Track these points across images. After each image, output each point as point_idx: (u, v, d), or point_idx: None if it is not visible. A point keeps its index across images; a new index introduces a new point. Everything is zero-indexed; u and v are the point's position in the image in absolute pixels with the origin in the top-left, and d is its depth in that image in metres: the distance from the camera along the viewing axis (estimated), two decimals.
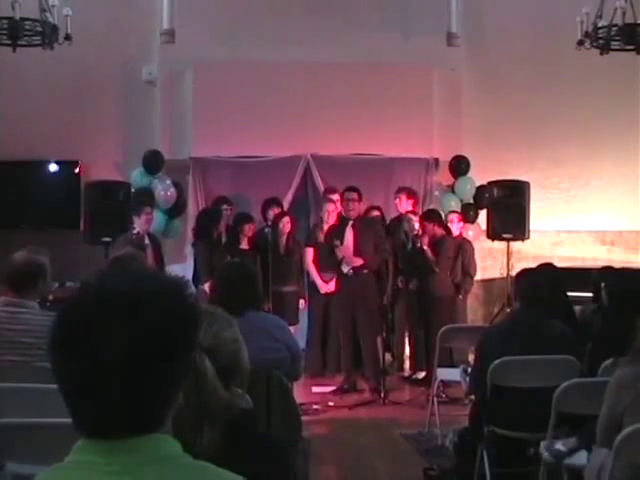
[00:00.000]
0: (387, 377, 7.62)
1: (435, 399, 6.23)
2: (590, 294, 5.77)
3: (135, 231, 7.82)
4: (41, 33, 6.79)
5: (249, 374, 2.19)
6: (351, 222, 7.73)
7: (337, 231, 7.72)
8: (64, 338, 1.25)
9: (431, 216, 8.21)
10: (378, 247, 7.72)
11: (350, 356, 7.77)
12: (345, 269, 7.63)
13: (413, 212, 8.33)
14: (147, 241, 7.80)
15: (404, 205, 8.44)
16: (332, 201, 8.07)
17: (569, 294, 5.53)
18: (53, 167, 9.24)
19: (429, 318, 7.91)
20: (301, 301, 8.19)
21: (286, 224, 8.06)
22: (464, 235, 8.65)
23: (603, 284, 4.95)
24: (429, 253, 7.93)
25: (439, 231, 8.13)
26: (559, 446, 3.91)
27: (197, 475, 1.30)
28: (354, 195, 7.84)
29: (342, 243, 7.60)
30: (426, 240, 7.95)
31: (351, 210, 7.75)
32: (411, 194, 8.58)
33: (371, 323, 7.68)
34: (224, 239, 8.12)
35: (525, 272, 5.05)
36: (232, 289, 4.05)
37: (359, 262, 7.60)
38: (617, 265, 6.98)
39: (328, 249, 7.72)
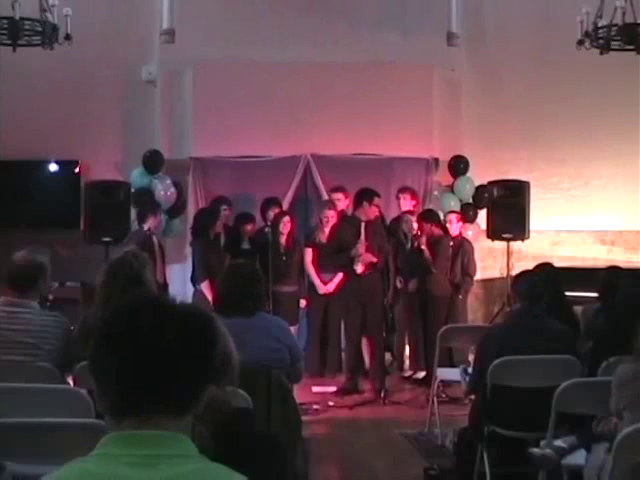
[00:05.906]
0: (387, 377, 7.63)
1: (435, 399, 6.23)
2: (590, 294, 5.76)
3: (146, 228, 7.90)
4: (41, 33, 6.79)
5: (250, 374, 2.18)
6: (363, 224, 7.72)
7: (350, 231, 7.71)
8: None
9: (429, 216, 8.20)
10: (381, 247, 7.75)
11: (354, 356, 7.76)
12: (359, 269, 7.63)
13: (411, 212, 8.32)
14: (155, 240, 7.90)
15: (407, 205, 8.42)
16: (333, 207, 8.02)
17: (569, 294, 5.54)
18: (53, 167, 9.24)
19: (427, 318, 7.95)
20: (301, 301, 8.17)
21: (286, 224, 8.01)
22: (464, 235, 8.64)
23: (614, 284, 4.94)
24: (427, 253, 7.93)
25: (437, 231, 8.13)
26: (558, 443, 3.91)
27: (211, 475, 1.36)
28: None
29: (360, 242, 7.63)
30: (424, 240, 7.95)
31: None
32: (415, 195, 8.59)
33: (379, 322, 7.69)
34: (223, 239, 8.12)
35: (524, 273, 5.06)
36: (236, 290, 4.06)
37: (374, 259, 7.61)
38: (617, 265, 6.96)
39: (333, 249, 7.71)
